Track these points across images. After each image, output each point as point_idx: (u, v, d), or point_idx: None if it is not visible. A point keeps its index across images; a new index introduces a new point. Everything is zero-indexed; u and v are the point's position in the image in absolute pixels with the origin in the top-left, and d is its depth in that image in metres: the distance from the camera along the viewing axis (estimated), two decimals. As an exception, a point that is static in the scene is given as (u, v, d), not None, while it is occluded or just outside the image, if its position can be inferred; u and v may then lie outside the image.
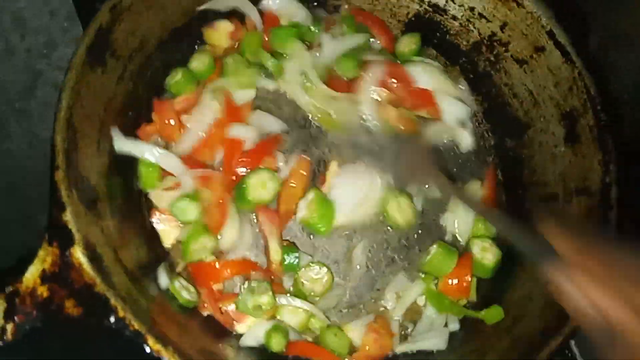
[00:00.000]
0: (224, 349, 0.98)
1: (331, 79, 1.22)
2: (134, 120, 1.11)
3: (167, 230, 1.10)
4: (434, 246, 1.14)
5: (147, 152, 1.07)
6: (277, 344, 1.04)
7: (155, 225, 1.10)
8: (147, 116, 1.15)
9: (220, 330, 1.05)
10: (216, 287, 1.07)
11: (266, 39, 1.23)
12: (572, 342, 1.12)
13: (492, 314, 1.08)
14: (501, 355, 1.00)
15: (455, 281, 1.12)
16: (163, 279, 1.03)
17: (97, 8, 0.98)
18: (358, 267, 1.16)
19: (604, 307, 0.58)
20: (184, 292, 1.02)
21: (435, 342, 1.08)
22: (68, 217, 0.83)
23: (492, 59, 1.26)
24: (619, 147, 1.06)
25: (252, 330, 1.05)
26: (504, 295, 1.10)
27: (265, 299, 1.02)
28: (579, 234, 0.64)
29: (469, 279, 1.12)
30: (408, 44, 1.30)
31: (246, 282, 1.05)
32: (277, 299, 1.04)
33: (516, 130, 1.24)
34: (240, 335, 1.06)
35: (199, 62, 1.20)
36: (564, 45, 1.12)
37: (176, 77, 1.17)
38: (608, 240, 0.65)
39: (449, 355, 1.07)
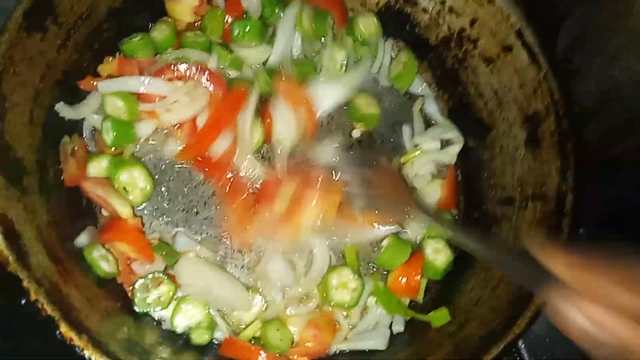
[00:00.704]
0: (147, 338, 0.93)
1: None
2: (75, 92, 1.04)
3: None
4: (387, 239, 1.12)
5: (131, 81, 1.04)
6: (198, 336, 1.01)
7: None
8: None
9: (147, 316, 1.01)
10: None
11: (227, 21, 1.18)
12: (521, 344, 1.10)
13: (438, 317, 1.06)
14: (443, 358, 0.97)
15: (405, 279, 1.09)
16: (82, 239, 0.98)
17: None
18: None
19: (610, 326, 0.54)
20: (103, 262, 0.97)
21: (376, 342, 1.05)
22: (-15, 190, 0.77)
23: (460, 55, 1.22)
24: (578, 154, 1.03)
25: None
26: (451, 299, 1.08)
27: (164, 288, 1.00)
28: (572, 253, 0.59)
29: (419, 278, 1.09)
30: (367, 25, 1.24)
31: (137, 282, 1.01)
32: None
33: (479, 131, 1.21)
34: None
35: (159, 32, 1.14)
36: (531, 46, 1.09)
37: (134, 39, 1.11)
38: (602, 253, 0.58)
39: (390, 356, 1.04)
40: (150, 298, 0.99)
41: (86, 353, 0.74)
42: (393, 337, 1.08)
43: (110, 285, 0.99)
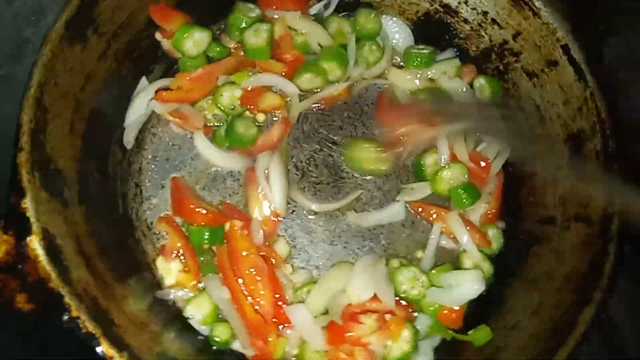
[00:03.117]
0: (187, 350, 0.93)
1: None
2: (115, 100, 1.04)
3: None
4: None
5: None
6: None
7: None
8: (128, 97, 1.08)
9: (184, 327, 1.01)
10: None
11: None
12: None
13: (480, 335, 1.03)
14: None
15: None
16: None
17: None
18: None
19: None
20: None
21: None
22: (27, 204, 0.77)
23: (501, 68, 1.19)
24: (624, 175, 1.00)
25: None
26: (489, 320, 1.05)
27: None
28: None
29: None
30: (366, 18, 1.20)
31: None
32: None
33: (519, 146, 1.18)
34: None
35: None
36: (578, 62, 1.06)
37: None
38: None
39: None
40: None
41: (126, 373, 0.74)
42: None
43: (150, 298, 0.99)
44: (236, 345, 1.01)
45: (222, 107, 1.10)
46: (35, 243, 0.76)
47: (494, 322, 1.03)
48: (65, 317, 0.74)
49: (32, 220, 0.76)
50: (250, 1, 1.17)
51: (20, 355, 0.87)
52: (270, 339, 0.98)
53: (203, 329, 1.02)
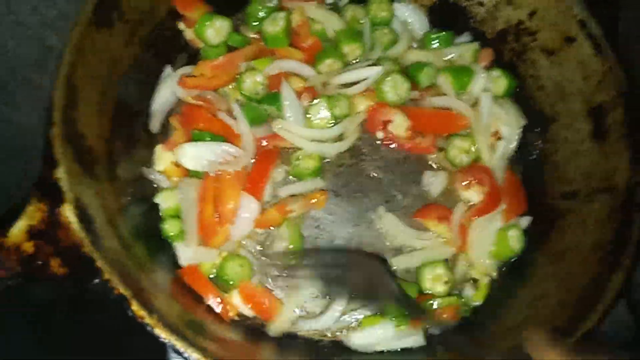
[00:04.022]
0: (212, 326, 0.94)
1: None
2: (141, 86, 1.07)
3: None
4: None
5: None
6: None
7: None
8: (153, 83, 1.11)
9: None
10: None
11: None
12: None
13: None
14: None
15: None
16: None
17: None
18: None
19: None
20: None
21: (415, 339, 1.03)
22: (60, 174, 0.80)
23: (519, 49, 1.20)
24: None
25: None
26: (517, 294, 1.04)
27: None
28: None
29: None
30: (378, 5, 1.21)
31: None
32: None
33: (539, 124, 1.18)
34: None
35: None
36: (595, 36, 1.06)
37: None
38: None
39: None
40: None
41: (156, 331, 0.75)
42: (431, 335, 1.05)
43: (177, 275, 1.01)
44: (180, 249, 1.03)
45: (245, 93, 1.13)
46: (68, 211, 0.78)
47: (522, 293, 1.03)
48: (97, 280, 0.76)
49: (65, 189, 0.79)
50: (268, -7, 1.20)
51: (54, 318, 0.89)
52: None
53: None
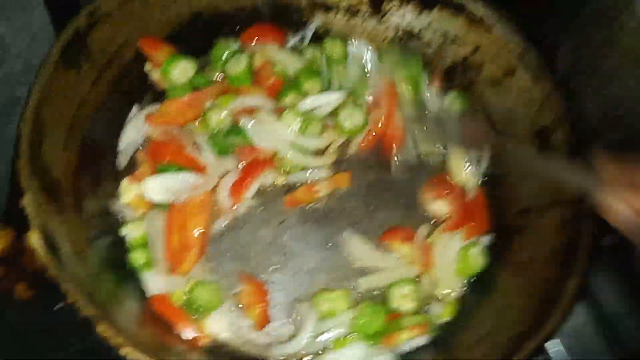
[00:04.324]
0: (185, 352, 0.93)
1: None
2: (108, 125, 1.10)
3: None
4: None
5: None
6: None
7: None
8: (121, 122, 1.15)
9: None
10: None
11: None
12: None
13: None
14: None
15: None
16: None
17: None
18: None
19: None
20: None
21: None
22: (26, 201, 0.80)
23: (466, 82, 1.29)
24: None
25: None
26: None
27: None
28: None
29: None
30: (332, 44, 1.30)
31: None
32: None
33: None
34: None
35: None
36: (533, 67, 1.16)
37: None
38: None
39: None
40: None
41: (125, 352, 0.74)
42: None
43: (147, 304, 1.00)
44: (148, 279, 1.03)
45: (210, 128, 1.17)
46: (34, 237, 0.78)
47: (487, 305, 1.06)
48: (61, 304, 0.75)
49: (31, 215, 0.79)
50: (230, 36, 1.27)
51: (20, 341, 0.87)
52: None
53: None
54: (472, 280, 1.12)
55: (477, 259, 1.12)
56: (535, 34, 1.23)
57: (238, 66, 1.22)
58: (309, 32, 1.32)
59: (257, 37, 1.28)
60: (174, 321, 0.99)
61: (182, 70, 1.18)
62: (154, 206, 1.08)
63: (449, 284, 1.11)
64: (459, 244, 1.13)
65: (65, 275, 0.77)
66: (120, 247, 1.05)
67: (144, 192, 1.06)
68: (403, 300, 1.07)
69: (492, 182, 1.23)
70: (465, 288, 1.13)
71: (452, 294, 1.11)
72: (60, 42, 0.98)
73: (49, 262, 0.77)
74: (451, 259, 1.11)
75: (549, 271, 1.00)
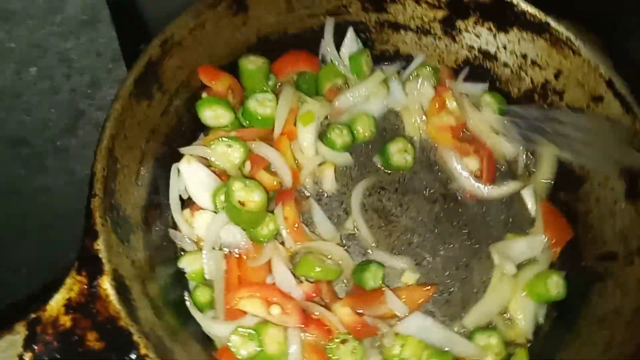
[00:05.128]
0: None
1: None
2: (176, 153, 1.09)
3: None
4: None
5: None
6: None
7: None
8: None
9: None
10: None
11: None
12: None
13: None
14: None
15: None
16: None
17: (141, 49, 1.00)
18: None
19: None
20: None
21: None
22: (100, 246, 0.81)
23: (546, 107, 1.20)
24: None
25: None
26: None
27: None
28: None
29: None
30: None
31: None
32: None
33: (571, 184, 1.17)
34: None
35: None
36: (623, 95, 1.06)
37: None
38: None
39: None
40: None
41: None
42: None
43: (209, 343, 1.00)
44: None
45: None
46: (106, 283, 0.79)
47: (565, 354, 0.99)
48: (133, 356, 0.75)
49: (104, 260, 0.80)
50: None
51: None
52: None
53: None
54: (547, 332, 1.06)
55: (556, 287, 1.07)
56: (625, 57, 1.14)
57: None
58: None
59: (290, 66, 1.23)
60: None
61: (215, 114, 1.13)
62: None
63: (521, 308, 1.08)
64: (542, 267, 1.10)
65: (137, 324, 0.77)
66: (181, 283, 1.05)
67: (195, 226, 1.06)
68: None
69: (570, 219, 1.15)
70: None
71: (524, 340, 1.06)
72: (134, 74, 0.97)
73: (121, 309, 0.78)
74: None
75: (636, 326, 0.92)
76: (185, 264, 1.04)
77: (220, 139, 1.08)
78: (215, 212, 1.05)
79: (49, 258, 1.21)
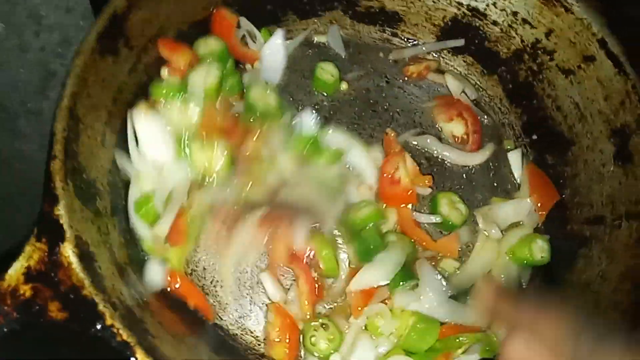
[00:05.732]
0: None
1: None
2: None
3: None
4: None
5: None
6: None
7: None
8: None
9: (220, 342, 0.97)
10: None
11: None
12: None
13: None
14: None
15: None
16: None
17: (109, 2, 0.92)
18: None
19: None
20: None
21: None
22: (60, 211, 0.76)
23: (535, 68, 1.16)
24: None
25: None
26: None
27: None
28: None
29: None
30: None
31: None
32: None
33: (558, 147, 1.14)
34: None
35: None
36: (617, 55, 1.02)
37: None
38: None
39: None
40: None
41: (163, 382, 0.70)
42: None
43: (183, 309, 0.96)
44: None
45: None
46: (68, 250, 0.74)
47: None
48: (99, 326, 0.71)
49: (65, 227, 0.75)
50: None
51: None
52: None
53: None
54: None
55: (540, 251, 1.05)
56: (620, 15, 1.09)
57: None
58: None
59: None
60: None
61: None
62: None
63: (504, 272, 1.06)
64: (527, 230, 1.08)
65: (102, 294, 0.73)
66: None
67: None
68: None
69: (557, 184, 1.12)
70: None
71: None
72: (97, 27, 0.89)
73: (84, 278, 0.73)
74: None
75: (622, 293, 0.90)
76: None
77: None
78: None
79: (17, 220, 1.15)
